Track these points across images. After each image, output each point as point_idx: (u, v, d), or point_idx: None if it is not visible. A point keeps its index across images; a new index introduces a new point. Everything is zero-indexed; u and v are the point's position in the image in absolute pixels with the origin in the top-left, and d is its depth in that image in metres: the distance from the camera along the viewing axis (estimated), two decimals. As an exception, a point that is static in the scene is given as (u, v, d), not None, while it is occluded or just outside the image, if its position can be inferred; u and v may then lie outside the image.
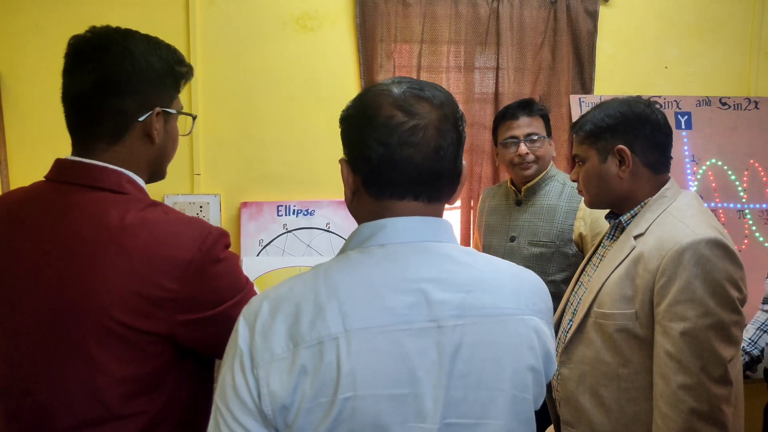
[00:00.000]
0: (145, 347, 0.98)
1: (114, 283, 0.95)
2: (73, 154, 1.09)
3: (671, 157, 1.48)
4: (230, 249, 1.08)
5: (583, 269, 1.61)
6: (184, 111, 1.16)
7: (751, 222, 2.87)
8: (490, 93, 2.90)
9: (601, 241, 1.59)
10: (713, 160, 2.88)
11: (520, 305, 0.88)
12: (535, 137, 2.15)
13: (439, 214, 0.92)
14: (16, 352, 0.99)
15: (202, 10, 2.73)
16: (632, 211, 1.44)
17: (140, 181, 1.08)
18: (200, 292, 0.99)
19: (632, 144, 1.41)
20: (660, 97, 2.93)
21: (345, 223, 2.78)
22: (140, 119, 1.05)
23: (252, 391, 0.79)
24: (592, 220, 2.03)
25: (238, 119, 2.76)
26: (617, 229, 1.51)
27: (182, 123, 1.23)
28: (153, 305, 0.96)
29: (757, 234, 2.86)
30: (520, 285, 0.91)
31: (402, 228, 0.87)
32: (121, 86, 1.03)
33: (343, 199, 2.80)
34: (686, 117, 2.94)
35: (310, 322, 0.79)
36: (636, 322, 1.33)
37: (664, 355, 1.27)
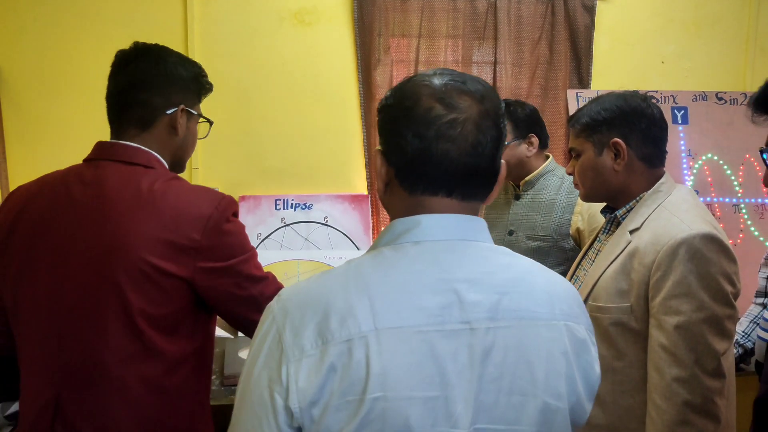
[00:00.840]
0: (169, 290, 1.16)
1: (146, 233, 1.14)
2: (111, 139, 1.31)
3: (666, 152, 1.49)
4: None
5: (579, 263, 1.62)
6: (204, 116, 1.40)
7: (746, 216, 2.89)
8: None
9: (597, 236, 1.60)
10: (709, 155, 2.89)
11: (554, 310, 0.85)
12: None
13: (474, 213, 0.89)
14: (62, 296, 1.16)
15: (200, 4, 2.73)
16: (628, 206, 1.45)
17: (165, 162, 1.30)
18: (217, 243, 1.20)
19: (628, 137, 1.42)
20: (656, 92, 2.94)
21: (343, 217, 2.79)
22: (167, 112, 1.28)
23: (281, 387, 0.77)
24: (589, 215, 2.04)
25: (236, 114, 2.77)
26: (613, 224, 1.52)
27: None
28: (179, 251, 1.16)
29: (752, 228, 2.88)
30: (554, 289, 0.88)
31: (437, 225, 0.85)
32: (149, 84, 1.27)
33: (340, 192, 2.83)
34: (682, 112, 2.95)
35: (340, 319, 0.77)
36: (631, 316, 1.35)
37: (658, 348, 1.28)
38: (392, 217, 0.89)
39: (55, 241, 1.18)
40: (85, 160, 1.28)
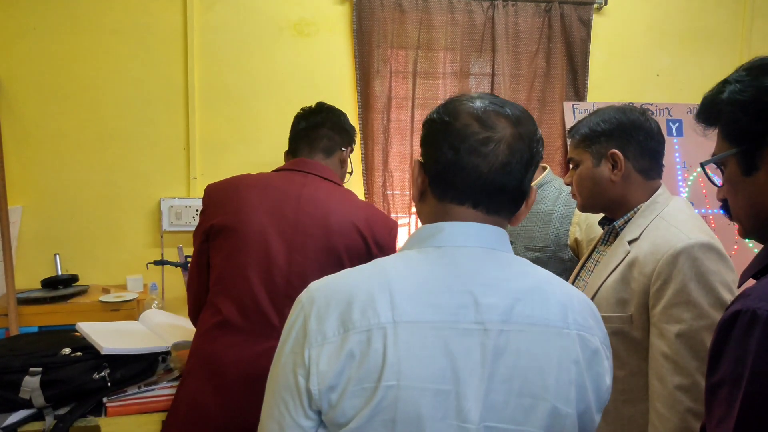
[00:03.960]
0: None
1: (359, 219, 1.60)
2: (304, 157, 1.77)
3: (663, 165, 1.51)
4: None
5: (578, 274, 1.63)
6: (350, 161, 1.91)
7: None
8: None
9: (595, 246, 1.61)
10: (700, 165, 2.90)
11: (567, 319, 0.88)
12: None
13: (498, 226, 0.93)
14: (294, 258, 1.55)
15: (199, 14, 2.75)
16: (625, 217, 1.46)
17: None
18: (394, 248, 1.67)
19: (625, 149, 1.44)
20: (652, 104, 2.97)
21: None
22: (342, 149, 1.83)
23: (303, 370, 0.82)
24: (587, 226, 2.05)
25: (235, 124, 2.78)
26: (611, 234, 1.53)
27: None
28: (377, 244, 1.61)
29: (746, 240, 2.89)
30: (570, 301, 0.90)
31: (459, 232, 0.90)
32: (337, 126, 1.84)
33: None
34: (677, 124, 2.98)
35: (361, 310, 0.83)
36: (631, 325, 1.35)
37: (660, 356, 1.29)
38: (423, 223, 0.96)
39: (283, 222, 1.56)
40: (285, 170, 1.71)
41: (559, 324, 0.87)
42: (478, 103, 0.92)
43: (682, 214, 1.39)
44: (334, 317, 0.83)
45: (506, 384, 0.83)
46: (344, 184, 1.81)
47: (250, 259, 1.53)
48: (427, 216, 0.95)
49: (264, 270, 1.53)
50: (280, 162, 1.80)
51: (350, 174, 1.95)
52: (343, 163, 1.85)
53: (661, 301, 1.29)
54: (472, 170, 0.88)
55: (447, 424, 0.80)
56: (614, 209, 1.49)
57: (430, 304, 0.84)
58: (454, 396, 0.81)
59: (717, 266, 1.29)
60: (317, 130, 1.79)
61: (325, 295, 0.86)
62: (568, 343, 0.87)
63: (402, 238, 2.94)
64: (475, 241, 0.90)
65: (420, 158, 0.97)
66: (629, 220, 1.46)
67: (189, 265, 1.76)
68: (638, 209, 1.45)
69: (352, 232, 1.57)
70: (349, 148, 1.86)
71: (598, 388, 0.90)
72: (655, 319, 1.31)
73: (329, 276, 0.91)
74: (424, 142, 0.96)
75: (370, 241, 1.59)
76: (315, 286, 0.89)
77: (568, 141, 1.55)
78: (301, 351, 0.83)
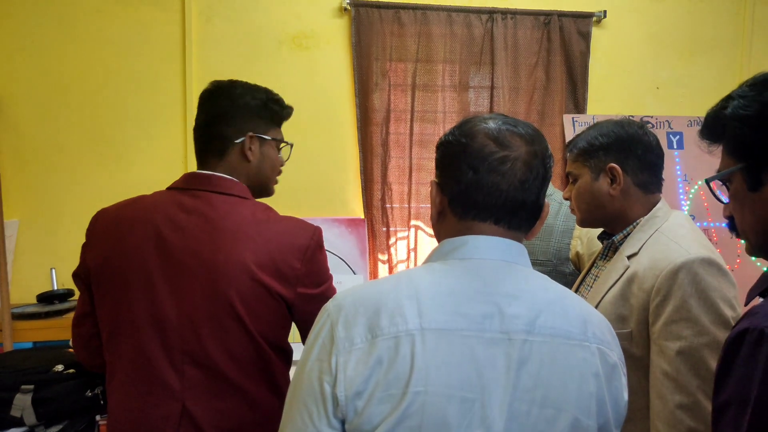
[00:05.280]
0: (274, 310, 1.28)
1: (254, 257, 1.26)
2: (198, 168, 1.40)
3: (663, 179, 1.49)
4: None
5: (577, 289, 1.61)
6: (278, 139, 1.48)
7: (743, 241, 2.88)
8: (485, 112, 2.91)
9: (594, 262, 1.59)
10: (705, 182, 2.89)
11: (586, 333, 0.90)
12: None
13: (518, 241, 0.96)
14: (183, 305, 1.26)
15: (198, 27, 2.75)
16: (624, 231, 1.45)
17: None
18: (312, 270, 1.33)
19: (624, 163, 1.42)
20: (652, 117, 2.96)
21: (337, 240, 2.78)
22: (236, 141, 1.38)
23: (330, 376, 0.83)
24: (588, 239, 2.03)
25: (233, 136, 2.77)
26: (610, 249, 1.51)
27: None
28: (282, 277, 1.28)
29: (748, 254, 2.87)
30: (588, 316, 0.92)
31: (483, 246, 0.92)
32: (221, 117, 1.39)
33: (336, 216, 2.82)
34: (678, 137, 2.97)
35: (389, 316, 0.84)
36: (631, 342, 1.33)
37: (660, 375, 1.27)
38: (440, 241, 0.98)
39: (166, 262, 1.27)
40: (174, 189, 1.37)
41: (580, 337, 0.89)
42: (492, 124, 0.95)
43: (681, 228, 1.37)
44: (362, 324, 0.84)
45: (529, 394, 0.83)
46: (278, 177, 1.54)
47: (139, 312, 1.27)
48: (448, 234, 0.96)
49: (154, 323, 1.27)
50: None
51: (286, 160, 1.57)
52: (248, 154, 1.40)
53: (660, 317, 1.27)
54: (492, 188, 0.91)
55: None
56: (613, 224, 1.47)
57: (456, 312, 0.85)
58: (480, 404, 0.82)
59: (718, 282, 1.27)
60: (205, 130, 1.40)
61: (352, 302, 0.88)
62: (588, 355, 0.88)
63: (401, 251, 2.93)
64: (497, 255, 0.92)
65: (436, 179, 0.99)
66: (628, 234, 1.44)
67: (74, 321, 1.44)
68: (637, 224, 1.43)
69: (242, 276, 1.25)
70: (250, 134, 1.40)
71: (616, 403, 0.91)
72: (655, 335, 1.29)
73: (355, 286, 0.93)
74: (441, 164, 0.98)
75: (270, 283, 1.27)
76: (341, 295, 0.91)
77: (567, 155, 1.53)
78: (328, 358, 0.84)
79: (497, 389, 0.82)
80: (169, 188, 1.39)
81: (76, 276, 1.37)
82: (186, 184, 1.36)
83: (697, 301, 1.24)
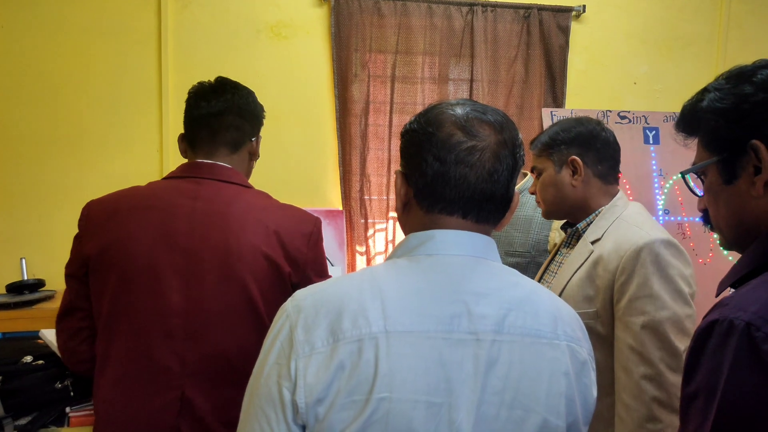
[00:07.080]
0: (286, 294, 1.21)
1: (263, 240, 1.30)
2: (198, 158, 1.42)
3: (620, 172, 1.60)
4: None
5: (541, 277, 1.68)
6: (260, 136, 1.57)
7: (716, 236, 2.93)
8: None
9: (557, 250, 1.68)
10: (680, 175, 2.93)
11: (557, 330, 0.87)
12: None
13: (486, 235, 0.92)
14: (191, 291, 1.27)
15: (174, 14, 2.70)
16: (587, 219, 1.54)
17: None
18: (317, 255, 1.40)
19: (584, 156, 1.52)
20: (629, 112, 2.99)
21: (317, 232, 2.76)
22: (252, 139, 1.49)
23: (289, 382, 0.79)
24: (566, 232, 2.06)
25: (210, 126, 2.73)
26: (573, 237, 1.60)
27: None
28: (293, 261, 1.33)
29: (722, 248, 2.92)
30: (558, 312, 0.90)
31: (451, 241, 0.88)
32: (246, 112, 1.46)
33: (314, 208, 2.80)
34: (654, 132, 3.00)
35: (351, 319, 0.80)
36: (597, 321, 1.42)
37: (626, 348, 1.36)
38: (406, 234, 0.93)
39: (172, 248, 1.28)
40: (174, 177, 1.39)
41: (549, 335, 0.86)
42: (459, 111, 0.89)
43: (640, 216, 1.49)
44: (323, 327, 0.80)
45: (498, 396, 0.81)
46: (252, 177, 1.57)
47: (139, 303, 1.27)
48: (413, 227, 0.92)
49: (157, 310, 1.27)
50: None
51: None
52: (252, 155, 1.52)
53: (625, 295, 1.37)
54: (460, 181, 0.87)
55: None
56: (576, 213, 1.57)
57: (423, 313, 0.81)
58: (447, 408, 0.78)
59: (676, 261, 1.38)
60: (221, 118, 1.42)
61: (313, 303, 0.83)
62: (558, 354, 0.86)
63: (378, 243, 2.92)
64: (465, 250, 0.88)
65: (401, 169, 0.94)
66: (591, 222, 1.54)
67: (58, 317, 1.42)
68: (599, 212, 1.53)
69: (256, 257, 1.29)
70: (259, 135, 1.53)
71: (585, 401, 0.90)
72: (620, 313, 1.38)
73: (316, 284, 0.88)
74: (406, 153, 0.93)
75: (282, 262, 1.32)
76: (301, 294, 0.86)
77: (532, 151, 1.61)
78: (287, 362, 0.79)
79: (465, 392, 0.79)
80: (166, 178, 1.40)
81: (70, 276, 1.36)
82: (187, 173, 1.38)
83: (658, 279, 1.35)
